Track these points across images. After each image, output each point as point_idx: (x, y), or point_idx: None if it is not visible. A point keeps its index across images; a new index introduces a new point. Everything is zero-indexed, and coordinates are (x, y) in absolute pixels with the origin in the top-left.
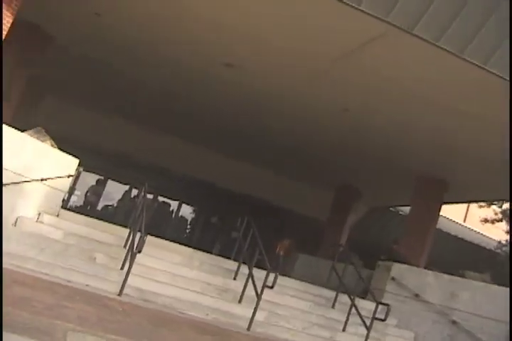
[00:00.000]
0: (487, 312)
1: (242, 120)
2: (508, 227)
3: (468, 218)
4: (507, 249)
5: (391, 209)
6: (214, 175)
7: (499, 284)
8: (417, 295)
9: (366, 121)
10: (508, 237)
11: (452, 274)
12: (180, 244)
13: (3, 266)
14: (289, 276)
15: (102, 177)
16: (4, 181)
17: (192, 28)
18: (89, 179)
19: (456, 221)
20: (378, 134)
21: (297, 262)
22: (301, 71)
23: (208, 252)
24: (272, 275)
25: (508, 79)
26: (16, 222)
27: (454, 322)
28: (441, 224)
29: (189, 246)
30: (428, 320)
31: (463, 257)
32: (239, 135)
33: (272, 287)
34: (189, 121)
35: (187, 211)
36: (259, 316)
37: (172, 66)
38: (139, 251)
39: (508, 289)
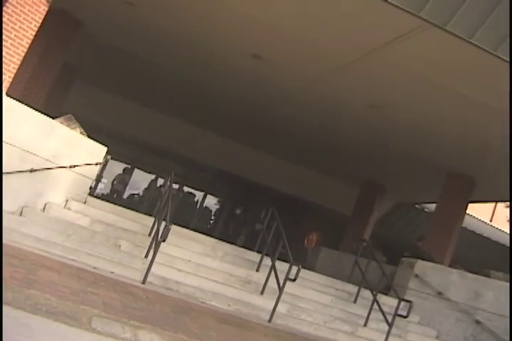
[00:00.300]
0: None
1: (269, 111)
2: None
3: (495, 217)
4: None
5: (416, 205)
6: (240, 167)
7: None
8: (440, 293)
9: (393, 115)
10: None
11: (477, 273)
12: (204, 234)
13: (29, 249)
14: (312, 270)
15: (129, 166)
16: (34, 166)
17: (224, 21)
18: (117, 167)
19: (483, 220)
20: (405, 129)
21: (320, 256)
22: (329, 63)
23: (231, 243)
24: (294, 268)
25: None
26: (44, 208)
27: (477, 322)
28: (467, 222)
29: (213, 237)
30: (451, 319)
31: (488, 256)
32: (265, 127)
33: (294, 280)
34: (217, 113)
35: (212, 202)
36: (281, 308)
37: (202, 56)
38: (164, 240)
39: None
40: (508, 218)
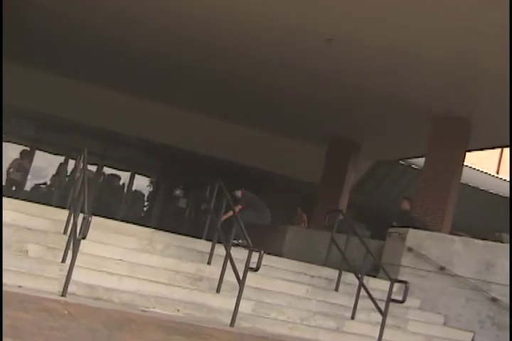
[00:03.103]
0: None
1: (200, 63)
2: None
3: (502, 167)
4: None
5: (401, 162)
6: (174, 136)
7: None
8: (442, 269)
9: (358, 51)
10: None
11: (486, 239)
12: (136, 224)
13: None
14: (279, 255)
15: (28, 148)
16: None
17: None
18: (11, 151)
19: (487, 172)
20: (377, 67)
21: (287, 237)
22: None
23: (172, 232)
24: (255, 256)
25: None
26: None
27: (493, 300)
28: (468, 177)
29: (148, 227)
30: (460, 299)
31: (498, 217)
32: (200, 83)
33: (256, 269)
34: (137, 70)
35: (142, 183)
36: (244, 307)
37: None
38: (84, 237)
39: None
40: None
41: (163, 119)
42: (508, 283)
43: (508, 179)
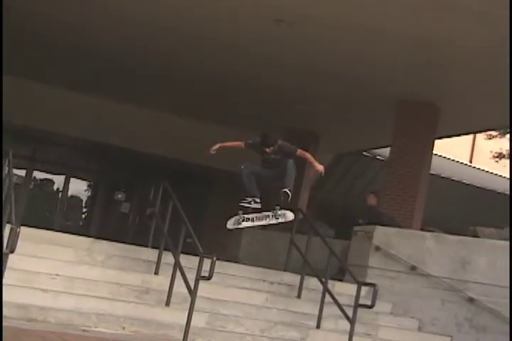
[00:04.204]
0: None
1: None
2: None
3: (476, 156)
4: None
5: (365, 153)
6: (112, 134)
7: None
8: (414, 268)
9: (313, 31)
10: None
11: (460, 234)
12: (73, 234)
13: None
14: (234, 261)
15: None
16: None
17: None
18: None
19: (460, 161)
20: (334, 48)
21: (243, 240)
22: None
23: (114, 241)
24: (207, 263)
25: None
26: None
27: (470, 300)
28: (438, 167)
29: (86, 236)
30: (435, 301)
31: (473, 209)
32: (133, 71)
33: (209, 278)
34: (66, 62)
35: (79, 188)
36: (198, 321)
37: None
38: (12, 251)
39: None
40: (494, 153)
41: (98, 115)
42: (487, 281)
43: (485, 169)
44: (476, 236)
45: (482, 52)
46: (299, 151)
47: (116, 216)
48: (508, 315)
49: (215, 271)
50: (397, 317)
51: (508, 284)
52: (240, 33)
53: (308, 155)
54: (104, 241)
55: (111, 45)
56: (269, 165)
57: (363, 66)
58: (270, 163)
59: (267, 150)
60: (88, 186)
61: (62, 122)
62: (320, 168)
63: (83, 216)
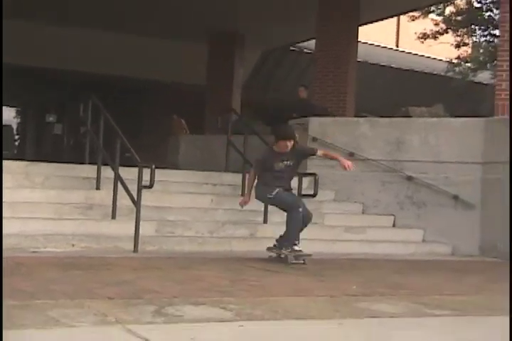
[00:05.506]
0: (448, 155)
1: None
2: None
3: (402, 39)
4: (460, 69)
5: (293, 48)
6: (33, 54)
7: (457, 116)
8: (351, 155)
9: None
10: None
11: (393, 116)
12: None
13: None
14: (175, 168)
15: None
16: None
17: None
18: None
19: (387, 46)
20: None
21: (181, 147)
22: None
23: (50, 162)
24: (147, 172)
25: None
26: None
27: (409, 179)
28: (366, 54)
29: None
30: (375, 184)
31: (403, 91)
32: None
33: (150, 186)
34: None
35: (8, 114)
36: (146, 230)
37: None
38: None
39: (475, 119)
40: (419, 34)
41: (15, 34)
42: (422, 158)
43: (412, 51)
44: (407, 115)
45: None
46: (319, 152)
47: (50, 138)
48: (445, 188)
49: (157, 179)
50: (340, 203)
51: (443, 159)
52: None
53: (331, 153)
54: (40, 163)
55: None
56: (281, 176)
57: None
58: (282, 173)
59: (288, 143)
60: (17, 112)
61: None
62: (348, 163)
63: (17, 143)
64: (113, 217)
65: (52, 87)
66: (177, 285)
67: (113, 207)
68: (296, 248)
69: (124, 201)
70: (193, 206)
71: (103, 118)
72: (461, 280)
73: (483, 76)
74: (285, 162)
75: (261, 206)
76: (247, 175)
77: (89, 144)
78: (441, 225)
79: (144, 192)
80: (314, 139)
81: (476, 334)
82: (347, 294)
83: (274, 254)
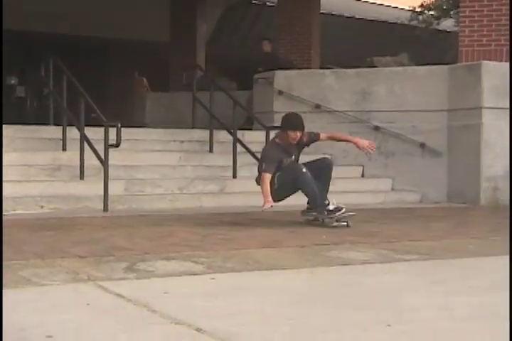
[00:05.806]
0: (415, 103)
1: None
2: None
3: None
4: (424, 17)
5: (254, 1)
6: None
7: (422, 64)
8: (318, 107)
9: None
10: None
11: (358, 67)
12: None
13: None
14: (141, 126)
15: None
16: None
17: None
18: None
19: None
20: None
21: (147, 106)
22: None
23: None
24: (113, 132)
25: None
26: None
27: (376, 129)
28: (328, 5)
29: None
30: None
31: (368, 42)
32: None
33: (117, 145)
34: None
35: None
36: (115, 189)
37: None
38: None
39: (439, 67)
40: None
41: None
42: (389, 108)
43: (374, 1)
44: (372, 65)
45: None
46: (322, 135)
47: (14, 101)
48: (412, 137)
49: (124, 138)
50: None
51: (410, 108)
52: None
53: (338, 135)
54: (3, 126)
55: None
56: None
57: None
58: None
59: (298, 134)
60: None
61: None
62: (365, 143)
63: None
64: (81, 177)
65: (12, 49)
66: (148, 241)
67: (81, 168)
68: (330, 207)
69: (91, 161)
70: (161, 163)
71: (66, 79)
72: (430, 226)
73: (447, 24)
74: (293, 157)
75: (229, 161)
76: (264, 179)
77: (53, 105)
78: (409, 174)
79: (112, 152)
80: (280, 92)
81: (447, 276)
82: (317, 244)
83: (311, 217)
